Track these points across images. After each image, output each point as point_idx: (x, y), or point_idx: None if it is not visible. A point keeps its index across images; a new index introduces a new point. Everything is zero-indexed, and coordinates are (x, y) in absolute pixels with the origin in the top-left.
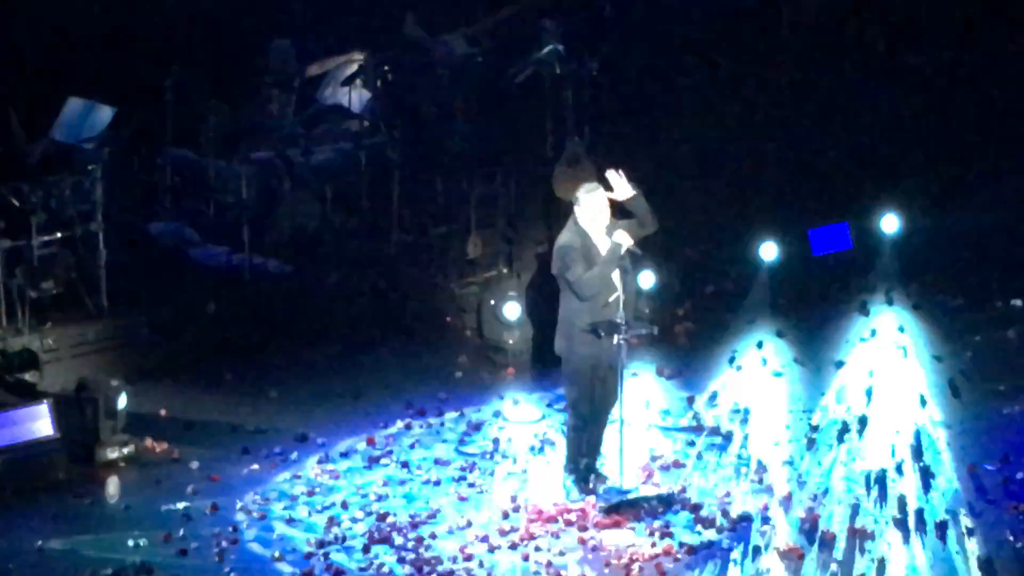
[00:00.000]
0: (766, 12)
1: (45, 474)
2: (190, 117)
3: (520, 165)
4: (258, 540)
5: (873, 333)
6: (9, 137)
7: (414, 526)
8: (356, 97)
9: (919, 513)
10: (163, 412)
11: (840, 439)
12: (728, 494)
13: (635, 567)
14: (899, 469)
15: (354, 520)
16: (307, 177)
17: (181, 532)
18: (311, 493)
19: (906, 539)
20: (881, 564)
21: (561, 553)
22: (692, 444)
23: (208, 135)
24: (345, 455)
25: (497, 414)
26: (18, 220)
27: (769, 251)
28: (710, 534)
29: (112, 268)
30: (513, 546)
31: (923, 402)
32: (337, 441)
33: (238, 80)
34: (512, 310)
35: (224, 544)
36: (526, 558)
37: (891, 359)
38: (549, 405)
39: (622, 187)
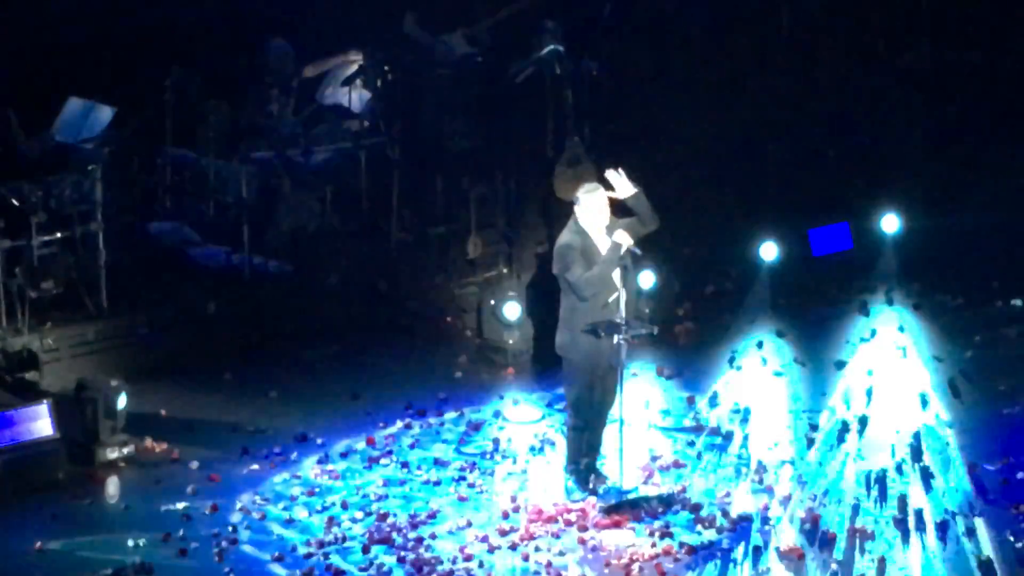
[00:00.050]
0: (766, 12)
1: (45, 474)
2: (190, 117)
3: (520, 165)
4: (258, 540)
5: (873, 333)
6: (9, 137)
7: (414, 526)
8: (356, 97)
9: (919, 513)
10: (163, 412)
11: (840, 439)
12: (728, 494)
13: (635, 567)
14: (899, 469)
15: (354, 520)
16: (307, 177)
17: (181, 532)
18: (311, 493)
19: (906, 539)
20: (881, 564)
21: (561, 553)
22: (692, 444)
23: (208, 135)
24: (345, 455)
25: (497, 414)
26: (18, 220)
27: (769, 251)
28: (710, 534)
29: (112, 268)
30: (513, 546)
31: (923, 402)
32: (337, 441)
33: (238, 80)
34: (512, 310)
35: (224, 544)
36: (526, 558)
37: (891, 359)
38: (549, 405)
39: (623, 185)
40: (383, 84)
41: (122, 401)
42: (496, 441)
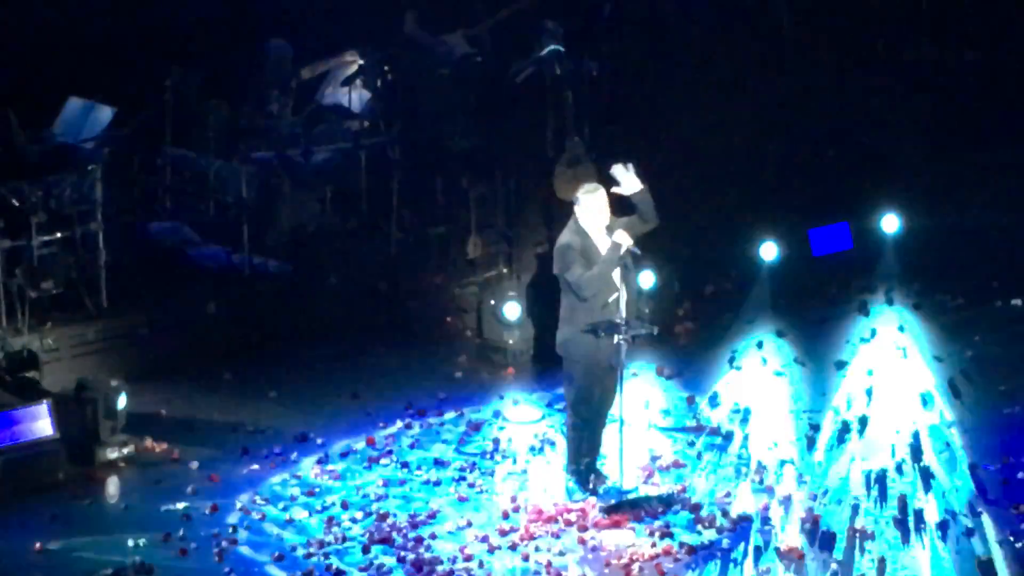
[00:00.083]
0: (766, 12)
1: (45, 474)
2: (190, 117)
3: (520, 165)
4: (258, 540)
5: (873, 333)
6: (9, 137)
7: (414, 526)
8: (356, 97)
9: (919, 513)
10: (163, 412)
11: (840, 439)
12: (728, 494)
13: (635, 567)
14: (899, 469)
15: (354, 520)
16: (307, 177)
17: (181, 532)
18: (311, 493)
19: (906, 539)
20: (881, 564)
21: (561, 553)
22: (692, 444)
23: (208, 135)
24: (345, 455)
25: (497, 414)
26: (18, 220)
27: (769, 251)
28: (710, 534)
29: (112, 268)
30: (513, 546)
31: (923, 402)
32: (337, 441)
33: (238, 80)
34: (512, 310)
35: (224, 544)
36: (526, 558)
37: (891, 359)
38: (549, 405)
39: (630, 181)
40: (383, 84)
41: (122, 401)
42: (496, 441)
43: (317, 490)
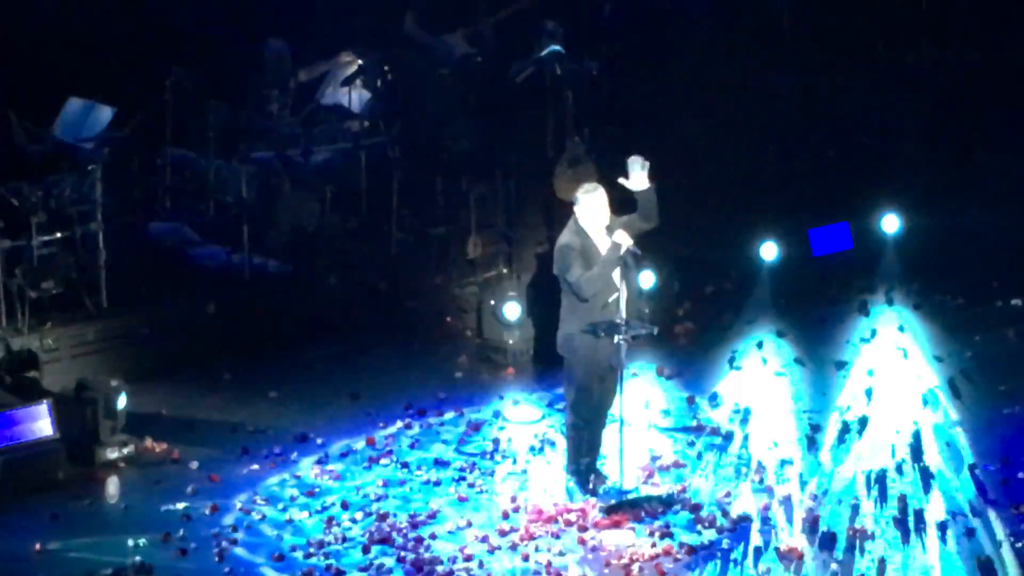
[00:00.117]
0: (766, 12)
1: (44, 474)
2: (190, 117)
3: (520, 165)
4: (257, 541)
5: (873, 333)
6: (9, 136)
7: (414, 526)
8: (356, 97)
9: (919, 513)
10: (163, 412)
11: (841, 439)
12: (728, 494)
13: (635, 567)
14: (899, 469)
15: (353, 521)
16: (307, 177)
17: (181, 532)
18: (310, 493)
19: (906, 539)
20: (881, 564)
21: (561, 553)
22: (692, 444)
23: (208, 135)
24: (344, 455)
25: (497, 414)
26: (18, 220)
27: (769, 251)
28: (710, 534)
29: (112, 268)
30: (513, 546)
31: (923, 402)
32: (336, 441)
33: (238, 80)
34: (512, 310)
35: (224, 544)
36: (526, 558)
37: (891, 359)
38: (549, 405)
39: (640, 178)
40: (383, 84)
41: (122, 401)
42: (496, 441)
43: (317, 490)
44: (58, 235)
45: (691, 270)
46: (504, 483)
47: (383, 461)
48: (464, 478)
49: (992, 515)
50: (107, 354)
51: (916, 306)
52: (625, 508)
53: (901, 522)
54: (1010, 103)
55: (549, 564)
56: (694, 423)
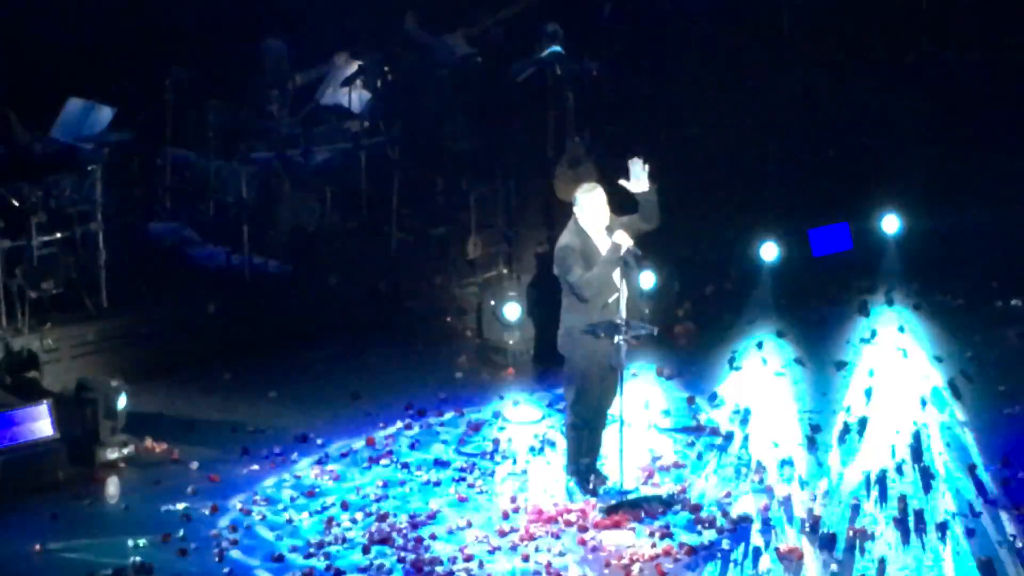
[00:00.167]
0: (767, 12)
1: (45, 474)
2: (190, 117)
3: (520, 165)
4: (257, 541)
5: (873, 333)
6: (9, 137)
7: (414, 527)
8: (356, 97)
9: (919, 513)
10: (163, 412)
11: (840, 439)
12: (728, 494)
13: (635, 568)
14: (899, 469)
15: (353, 521)
16: (307, 177)
17: (181, 533)
18: (310, 494)
19: (906, 539)
20: (881, 564)
21: (561, 554)
22: (692, 445)
23: (208, 135)
24: (344, 455)
25: (497, 414)
26: (18, 220)
27: (769, 251)
28: (710, 535)
29: (112, 268)
30: (513, 547)
31: (923, 402)
32: (336, 441)
33: (238, 80)
34: (512, 311)
35: (224, 544)
36: (526, 559)
37: (891, 359)
38: (549, 405)
39: (641, 179)
40: (383, 84)
41: (122, 401)
42: (496, 441)
43: (317, 490)
44: (58, 235)
45: (691, 270)
46: (504, 483)
47: (383, 461)
48: (464, 478)
49: (992, 515)
50: (107, 354)
51: (916, 306)
52: (625, 508)
53: (901, 522)
54: (1010, 103)
55: (549, 564)
56: (694, 423)
